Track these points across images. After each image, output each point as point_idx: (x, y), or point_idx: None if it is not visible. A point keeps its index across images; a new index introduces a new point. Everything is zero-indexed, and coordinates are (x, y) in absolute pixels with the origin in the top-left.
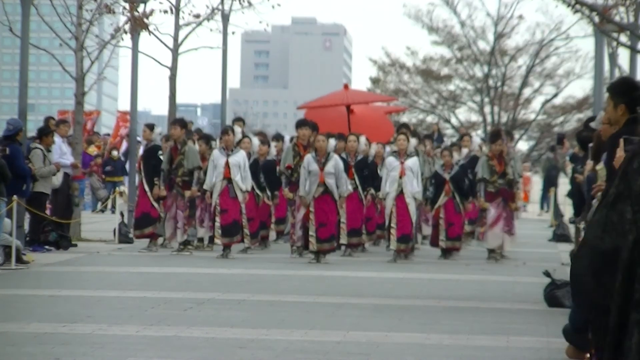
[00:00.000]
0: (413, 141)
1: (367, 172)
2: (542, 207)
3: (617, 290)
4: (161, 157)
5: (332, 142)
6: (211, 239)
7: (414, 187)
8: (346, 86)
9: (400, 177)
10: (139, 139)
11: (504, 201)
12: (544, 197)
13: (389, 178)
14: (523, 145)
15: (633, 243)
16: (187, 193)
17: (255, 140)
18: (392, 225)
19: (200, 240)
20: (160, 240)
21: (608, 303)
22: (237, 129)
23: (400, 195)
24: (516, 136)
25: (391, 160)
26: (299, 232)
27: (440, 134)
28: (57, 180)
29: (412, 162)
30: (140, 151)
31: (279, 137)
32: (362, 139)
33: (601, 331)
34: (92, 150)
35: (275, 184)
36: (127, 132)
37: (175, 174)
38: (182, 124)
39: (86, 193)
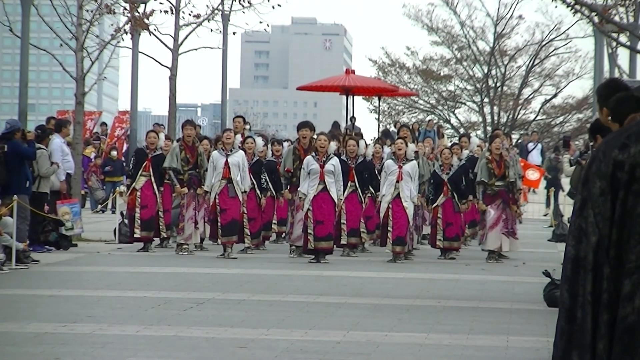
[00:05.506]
0: (412, 146)
1: (367, 174)
2: (547, 206)
3: (590, 291)
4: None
5: (333, 145)
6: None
7: (411, 192)
8: (347, 71)
9: (398, 182)
10: (140, 144)
11: (504, 203)
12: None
13: (387, 181)
14: None
15: (596, 244)
16: (199, 191)
17: (260, 141)
18: (389, 228)
19: (201, 240)
20: (157, 240)
21: (577, 313)
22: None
23: (396, 198)
24: (516, 136)
25: (390, 164)
26: (297, 232)
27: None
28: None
29: (410, 166)
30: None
31: (279, 142)
32: (362, 142)
33: (568, 337)
34: (89, 151)
35: (278, 184)
36: (123, 132)
37: (197, 174)
38: (194, 124)
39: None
